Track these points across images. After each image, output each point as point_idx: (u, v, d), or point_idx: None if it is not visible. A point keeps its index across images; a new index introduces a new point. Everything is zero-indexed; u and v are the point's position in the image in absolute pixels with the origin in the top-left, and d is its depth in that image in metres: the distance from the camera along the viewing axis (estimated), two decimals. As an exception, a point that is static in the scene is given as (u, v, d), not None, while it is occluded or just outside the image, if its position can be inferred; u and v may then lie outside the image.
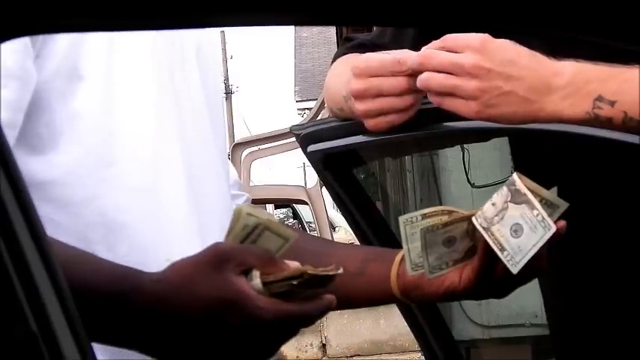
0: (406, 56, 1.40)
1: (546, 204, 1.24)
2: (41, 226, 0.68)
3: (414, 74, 1.39)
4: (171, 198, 1.25)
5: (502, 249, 1.24)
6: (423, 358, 1.81)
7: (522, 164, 1.62)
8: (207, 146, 1.33)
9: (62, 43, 1.19)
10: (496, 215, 1.25)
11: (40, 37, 1.16)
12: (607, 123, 1.32)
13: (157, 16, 0.62)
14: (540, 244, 1.23)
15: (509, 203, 1.25)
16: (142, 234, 1.22)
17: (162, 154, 1.26)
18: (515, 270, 1.24)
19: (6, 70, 1.14)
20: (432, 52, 1.38)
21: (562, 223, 1.31)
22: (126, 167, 1.22)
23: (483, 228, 1.25)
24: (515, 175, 1.26)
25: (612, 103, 1.31)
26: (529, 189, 1.24)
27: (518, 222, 1.24)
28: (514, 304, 4.70)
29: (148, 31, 1.26)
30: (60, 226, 1.17)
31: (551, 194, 1.25)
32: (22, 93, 1.17)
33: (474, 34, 1.35)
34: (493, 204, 1.26)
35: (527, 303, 4.38)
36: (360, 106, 1.43)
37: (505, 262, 1.24)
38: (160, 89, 1.28)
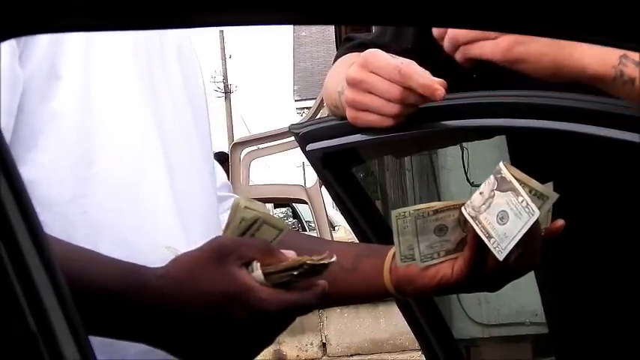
0: (410, 70, 1.40)
1: (535, 195, 1.25)
2: (40, 225, 0.68)
3: (408, 88, 1.39)
4: (153, 195, 1.26)
5: (489, 236, 1.25)
6: (423, 357, 1.81)
7: (520, 163, 1.62)
8: (189, 144, 1.34)
9: (42, 42, 1.19)
10: (483, 204, 1.26)
11: (23, 38, 1.17)
12: (630, 85, 1.32)
13: (157, 16, 0.62)
14: (525, 229, 1.23)
15: (495, 191, 1.26)
16: (125, 231, 1.22)
17: (143, 151, 1.26)
18: (501, 257, 1.24)
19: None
20: None
21: (561, 222, 1.31)
22: (107, 166, 1.23)
23: (471, 217, 1.26)
24: (501, 164, 1.27)
25: (637, 64, 1.31)
26: (516, 178, 1.25)
27: (504, 209, 1.25)
28: (514, 302, 4.70)
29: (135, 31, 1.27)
30: (45, 225, 1.17)
31: (540, 185, 1.26)
32: (13, 96, 1.17)
33: None
34: (481, 193, 1.27)
35: (527, 301, 4.38)
36: (349, 94, 1.43)
37: (492, 249, 1.25)
38: (140, 87, 1.28)
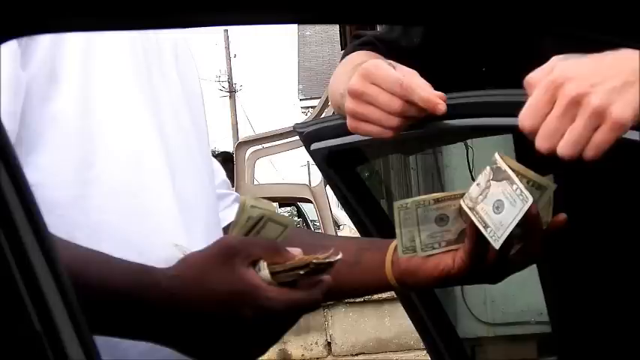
0: (412, 83, 1.39)
1: (534, 186, 1.26)
2: (44, 225, 0.68)
3: (409, 101, 1.39)
4: (155, 196, 1.26)
5: (485, 226, 1.26)
6: (428, 356, 1.81)
7: (526, 161, 1.62)
8: (188, 145, 1.35)
9: (43, 44, 1.19)
10: (480, 194, 1.27)
11: (23, 41, 1.17)
12: None
13: (158, 15, 0.62)
14: (520, 216, 1.24)
15: (491, 182, 1.27)
16: (127, 232, 1.23)
17: (143, 152, 1.27)
18: (497, 245, 1.25)
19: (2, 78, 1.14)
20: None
21: (563, 216, 1.31)
22: (108, 167, 1.23)
23: (469, 208, 1.27)
24: (496, 155, 1.28)
25: None
26: (511, 168, 1.26)
27: (500, 198, 1.26)
28: (519, 301, 4.70)
29: (130, 32, 1.27)
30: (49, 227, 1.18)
31: (538, 176, 1.26)
32: (16, 99, 1.17)
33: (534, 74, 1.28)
34: (478, 184, 1.28)
35: (532, 300, 4.38)
36: (349, 104, 1.43)
37: (488, 239, 1.26)
38: (139, 88, 1.29)
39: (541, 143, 1.26)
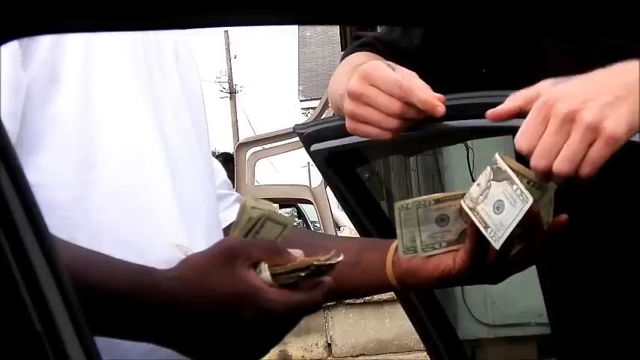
0: (411, 85, 1.39)
1: (534, 186, 1.26)
2: (45, 226, 0.69)
3: (408, 103, 1.39)
4: (155, 196, 1.27)
5: (486, 226, 1.26)
6: (428, 357, 1.81)
7: (526, 162, 1.62)
8: (188, 145, 1.35)
9: (43, 45, 1.20)
10: (480, 195, 1.27)
11: (24, 42, 1.17)
12: None
13: (159, 16, 0.62)
14: (520, 216, 1.25)
15: (491, 182, 1.27)
16: (127, 233, 1.23)
17: (144, 153, 1.27)
18: (497, 245, 1.25)
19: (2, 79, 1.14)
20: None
21: (564, 216, 1.31)
22: (108, 168, 1.23)
23: (470, 208, 1.28)
24: (497, 155, 1.28)
25: None
26: (512, 168, 1.26)
27: (500, 198, 1.26)
28: (519, 303, 4.70)
29: (131, 33, 1.27)
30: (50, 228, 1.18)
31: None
32: (17, 100, 1.17)
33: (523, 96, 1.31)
34: (478, 184, 1.28)
35: (532, 302, 4.37)
36: (348, 106, 1.43)
37: (489, 239, 1.26)
38: (139, 89, 1.29)
39: (537, 161, 1.27)
